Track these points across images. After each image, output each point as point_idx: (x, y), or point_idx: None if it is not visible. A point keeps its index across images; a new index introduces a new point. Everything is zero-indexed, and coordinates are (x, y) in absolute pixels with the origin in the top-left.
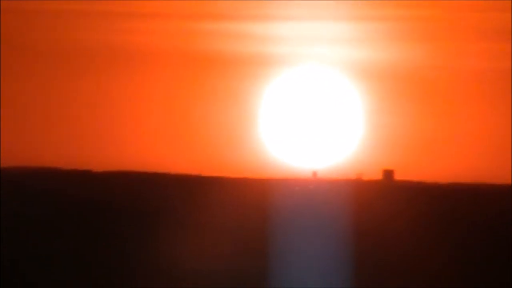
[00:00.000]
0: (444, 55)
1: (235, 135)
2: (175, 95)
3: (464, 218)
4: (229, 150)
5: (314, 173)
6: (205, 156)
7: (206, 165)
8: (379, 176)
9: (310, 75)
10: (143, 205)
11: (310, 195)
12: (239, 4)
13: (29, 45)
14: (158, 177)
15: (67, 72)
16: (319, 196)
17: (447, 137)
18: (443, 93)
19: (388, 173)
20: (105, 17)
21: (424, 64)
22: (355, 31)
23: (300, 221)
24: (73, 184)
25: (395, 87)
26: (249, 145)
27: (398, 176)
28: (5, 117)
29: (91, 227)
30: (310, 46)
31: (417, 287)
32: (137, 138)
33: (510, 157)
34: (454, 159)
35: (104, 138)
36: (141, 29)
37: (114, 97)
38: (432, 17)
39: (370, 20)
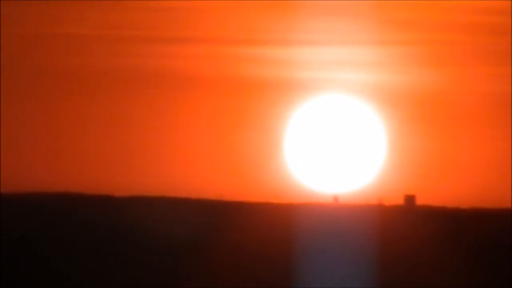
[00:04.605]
0: (469, 79)
1: (258, 160)
2: (198, 119)
3: (486, 243)
4: (252, 175)
5: (336, 198)
6: (228, 180)
7: (229, 189)
8: (400, 201)
9: (333, 100)
10: (162, 231)
11: (332, 220)
12: (260, 28)
13: (59, 69)
14: (179, 202)
15: (98, 96)
16: (340, 222)
17: (469, 161)
18: (467, 117)
19: (410, 198)
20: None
21: (448, 88)
22: (378, 56)
23: (321, 246)
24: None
25: (418, 111)
26: (272, 169)
27: (420, 201)
28: (22, 140)
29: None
30: (333, 70)
31: None
32: (157, 163)
33: None
34: (477, 184)
35: (126, 163)
36: (166, 53)
37: (133, 121)
38: (457, 41)
39: (393, 44)
